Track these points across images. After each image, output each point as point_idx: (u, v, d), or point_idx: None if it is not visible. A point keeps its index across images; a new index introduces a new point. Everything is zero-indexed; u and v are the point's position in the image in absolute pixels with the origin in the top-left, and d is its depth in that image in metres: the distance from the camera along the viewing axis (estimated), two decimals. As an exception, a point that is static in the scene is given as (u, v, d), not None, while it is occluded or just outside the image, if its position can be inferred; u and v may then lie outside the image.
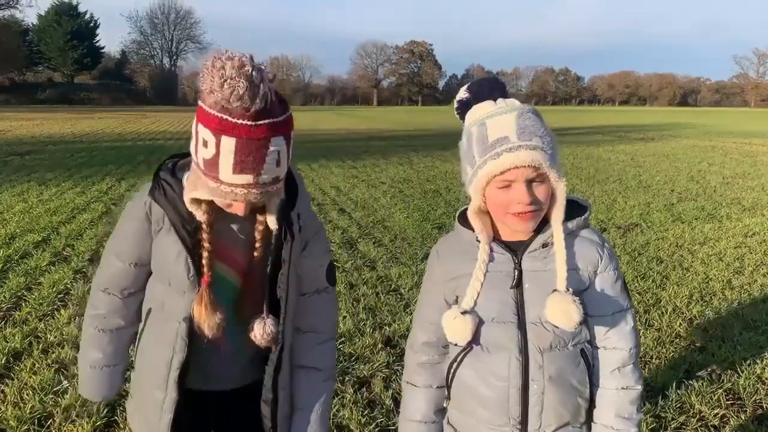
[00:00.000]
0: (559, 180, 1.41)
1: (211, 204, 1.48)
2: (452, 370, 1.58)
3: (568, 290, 1.42)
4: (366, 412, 3.27)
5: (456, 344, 1.52)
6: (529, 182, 1.40)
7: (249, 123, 1.31)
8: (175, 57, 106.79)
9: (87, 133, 24.88)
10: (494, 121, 1.43)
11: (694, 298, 5.20)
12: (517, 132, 1.39)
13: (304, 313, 1.72)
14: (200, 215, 1.49)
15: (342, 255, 6.34)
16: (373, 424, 3.16)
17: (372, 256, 6.31)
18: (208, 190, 1.40)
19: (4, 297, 4.88)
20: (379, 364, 3.79)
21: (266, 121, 1.33)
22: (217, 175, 1.35)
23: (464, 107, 1.53)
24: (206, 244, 1.51)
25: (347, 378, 3.63)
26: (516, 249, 1.50)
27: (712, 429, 3.23)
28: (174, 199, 1.51)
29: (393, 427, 3.14)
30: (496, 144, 1.39)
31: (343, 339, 4.17)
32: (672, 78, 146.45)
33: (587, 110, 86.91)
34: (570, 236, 1.49)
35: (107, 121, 33.87)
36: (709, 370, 3.79)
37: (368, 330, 4.32)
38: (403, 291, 5.21)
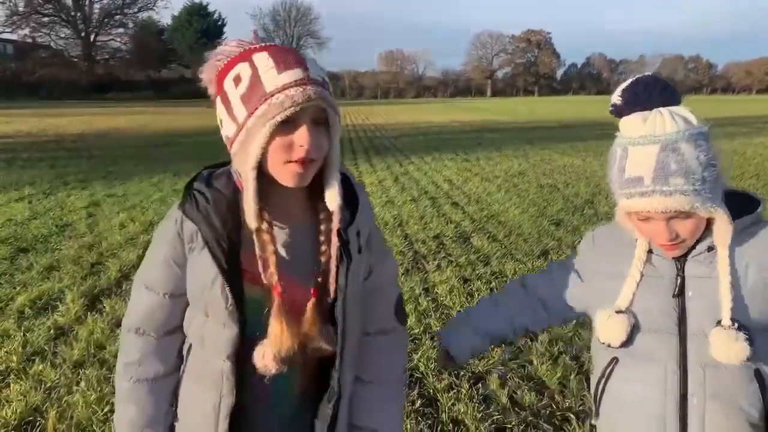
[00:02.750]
0: (715, 211, 1.28)
1: (264, 200, 1.24)
2: (601, 385, 1.51)
3: (733, 324, 1.30)
4: (482, 408, 3.26)
5: (609, 346, 1.44)
6: (671, 218, 1.30)
7: (261, 44, 1.23)
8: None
9: (215, 127, 26.46)
10: (635, 152, 1.30)
11: None
12: (653, 173, 1.26)
13: (366, 358, 1.48)
14: (254, 221, 1.23)
15: (455, 249, 6.34)
16: (489, 421, 3.15)
17: (486, 251, 6.25)
18: (258, 122, 1.17)
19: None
20: (494, 362, 3.75)
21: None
22: (264, 90, 1.16)
23: (617, 113, 1.39)
24: (270, 246, 1.24)
25: (462, 372, 3.64)
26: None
27: None
28: (207, 210, 1.27)
29: (509, 426, 3.11)
30: (630, 183, 1.30)
31: (457, 334, 4.17)
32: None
33: (720, 100, 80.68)
34: (740, 235, 1.35)
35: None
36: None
37: (483, 326, 4.28)
38: (518, 288, 5.10)
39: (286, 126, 1.17)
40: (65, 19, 77.88)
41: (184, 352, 1.42)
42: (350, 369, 1.42)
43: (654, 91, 1.32)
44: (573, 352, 3.88)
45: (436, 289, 5.10)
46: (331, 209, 1.28)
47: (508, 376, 3.60)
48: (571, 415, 3.20)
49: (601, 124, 28.15)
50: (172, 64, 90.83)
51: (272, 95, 1.15)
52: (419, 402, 3.32)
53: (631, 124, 1.33)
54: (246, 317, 1.28)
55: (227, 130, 1.24)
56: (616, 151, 1.36)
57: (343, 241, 1.30)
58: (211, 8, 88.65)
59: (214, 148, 16.79)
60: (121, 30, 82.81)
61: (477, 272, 5.55)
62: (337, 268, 1.30)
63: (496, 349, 3.91)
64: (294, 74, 1.16)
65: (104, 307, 4.63)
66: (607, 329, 1.41)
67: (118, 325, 4.26)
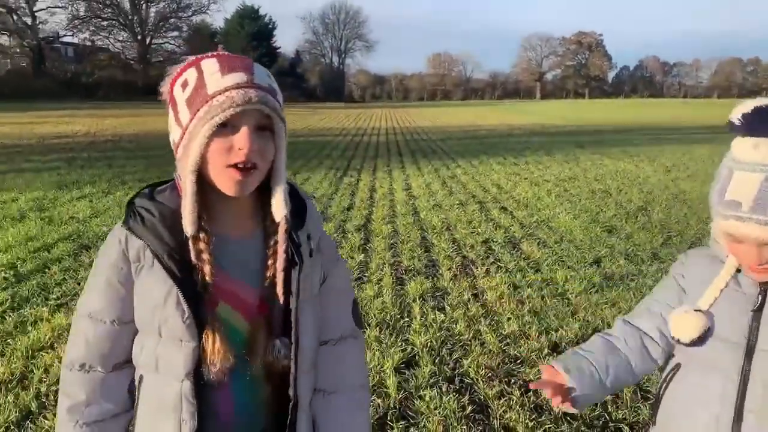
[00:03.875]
0: None
1: (207, 209, 1.23)
2: (662, 390, 1.52)
3: None
4: (533, 416, 3.24)
5: (678, 341, 1.43)
6: (764, 244, 1.28)
7: (226, 52, 1.24)
8: (343, 55, 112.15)
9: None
10: (739, 176, 1.29)
11: None
12: (753, 202, 1.25)
13: (328, 367, 1.43)
14: (190, 226, 1.20)
15: (504, 255, 6.30)
16: (541, 429, 3.13)
17: (536, 258, 6.19)
18: (198, 124, 1.15)
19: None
20: (546, 370, 3.72)
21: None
22: (207, 92, 1.16)
23: (733, 131, 1.35)
24: (206, 255, 1.21)
25: (513, 380, 3.62)
26: None
27: None
28: (154, 224, 1.22)
29: (561, 436, 3.09)
30: (729, 205, 1.29)
31: (508, 341, 4.16)
32: None
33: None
34: None
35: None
36: None
37: (534, 334, 4.26)
38: (570, 296, 5.05)
39: (228, 129, 1.16)
40: (123, 23, 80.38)
41: (136, 387, 1.31)
42: (308, 378, 1.37)
43: None
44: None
45: (485, 295, 5.08)
46: (276, 219, 1.27)
47: (559, 385, 3.56)
48: (625, 427, 3.15)
49: (655, 128, 27.45)
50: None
51: (213, 97, 1.14)
52: (470, 408, 3.33)
53: (742, 148, 1.30)
54: (203, 331, 1.22)
55: (174, 134, 1.22)
56: (722, 171, 1.35)
57: (295, 243, 1.29)
58: (262, 11, 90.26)
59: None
60: (175, 33, 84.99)
61: (527, 279, 5.50)
62: (288, 273, 1.27)
63: (548, 358, 3.88)
64: (237, 77, 1.16)
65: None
66: (681, 325, 1.40)
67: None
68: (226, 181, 1.18)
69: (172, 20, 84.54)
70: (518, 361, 3.88)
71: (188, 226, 1.19)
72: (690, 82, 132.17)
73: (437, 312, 4.68)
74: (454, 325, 4.42)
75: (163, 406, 1.24)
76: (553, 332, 4.30)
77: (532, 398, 3.43)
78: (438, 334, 4.25)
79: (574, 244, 6.73)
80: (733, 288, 1.41)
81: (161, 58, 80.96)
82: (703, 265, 1.48)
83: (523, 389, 3.52)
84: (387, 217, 8.24)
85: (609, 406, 3.35)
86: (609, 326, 4.35)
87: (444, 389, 3.50)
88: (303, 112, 44.65)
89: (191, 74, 1.19)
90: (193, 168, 1.17)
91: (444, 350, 4.03)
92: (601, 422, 3.22)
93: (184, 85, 1.18)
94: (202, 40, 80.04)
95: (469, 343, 4.14)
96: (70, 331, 1.35)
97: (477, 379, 3.63)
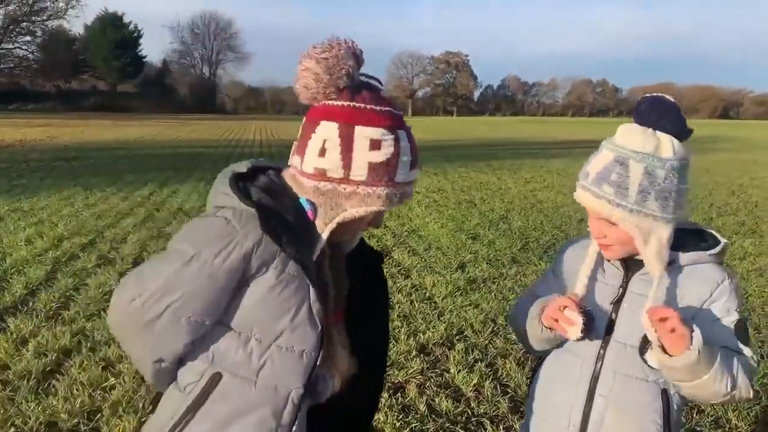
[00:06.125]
0: (635, 233, 1.37)
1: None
2: (537, 368, 1.67)
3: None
4: (401, 416, 3.34)
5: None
6: (601, 218, 1.42)
7: (400, 113, 1.28)
8: (214, 66, 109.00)
9: (129, 141, 25.54)
10: (602, 153, 1.44)
11: (732, 313, 5.12)
12: (596, 175, 1.41)
13: None
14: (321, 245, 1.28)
15: (377, 263, 6.42)
16: (407, 429, 3.22)
17: (406, 265, 6.38)
18: (374, 200, 1.22)
19: (54, 296, 5.09)
20: (414, 371, 3.85)
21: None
22: (396, 177, 1.22)
23: (635, 117, 1.47)
24: (329, 274, 1.31)
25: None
26: (629, 268, 1.49)
27: (748, 445, 3.21)
28: (293, 232, 1.22)
29: (427, 432, 3.21)
30: (582, 175, 1.45)
31: (377, 345, 4.24)
32: (713, 90, 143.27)
33: (625, 122, 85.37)
34: (687, 268, 1.46)
35: (148, 129, 34.71)
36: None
37: (403, 337, 4.39)
38: (437, 300, 5.26)
39: None
40: (-35, 24, 73.04)
41: (200, 379, 1.26)
42: None
43: (653, 113, 1.41)
44: (488, 360, 4.04)
45: (357, 303, 5.15)
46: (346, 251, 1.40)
47: (426, 385, 3.70)
48: (486, 420, 3.33)
49: (516, 143, 29.29)
50: (84, 75, 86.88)
51: (397, 185, 1.23)
52: (340, 413, 3.35)
53: (619, 130, 1.46)
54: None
55: (331, 168, 1.21)
56: (600, 148, 1.49)
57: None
58: (126, 19, 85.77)
59: (127, 162, 16.23)
60: (28, 38, 78.50)
61: (398, 285, 5.66)
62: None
63: (415, 359, 4.01)
64: (415, 174, 1.28)
65: (8, 326, 4.39)
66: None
67: (23, 343, 4.06)
68: (351, 234, 1.34)
69: (24, 24, 78.03)
70: (388, 364, 3.97)
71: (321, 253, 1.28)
72: (548, 101, 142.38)
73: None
74: (326, 333, 4.44)
75: (258, 411, 1.24)
76: (420, 334, 4.45)
77: (399, 399, 3.53)
78: (309, 343, 4.25)
79: (441, 251, 7.02)
80: (599, 280, 1.54)
81: (11, 65, 74.56)
82: (576, 252, 1.62)
83: (391, 391, 3.61)
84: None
85: (471, 402, 3.52)
86: (472, 327, 4.58)
87: (314, 396, 3.50)
88: (172, 123, 42.82)
89: (387, 142, 1.21)
90: (341, 221, 1.24)
91: (315, 358, 4.03)
92: (464, 417, 3.38)
93: (375, 146, 1.19)
94: (59, 47, 74.60)
95: (340, 350, 4.18)
96: (160, 325, 1.22)
97: (347, 384, 3.66)
